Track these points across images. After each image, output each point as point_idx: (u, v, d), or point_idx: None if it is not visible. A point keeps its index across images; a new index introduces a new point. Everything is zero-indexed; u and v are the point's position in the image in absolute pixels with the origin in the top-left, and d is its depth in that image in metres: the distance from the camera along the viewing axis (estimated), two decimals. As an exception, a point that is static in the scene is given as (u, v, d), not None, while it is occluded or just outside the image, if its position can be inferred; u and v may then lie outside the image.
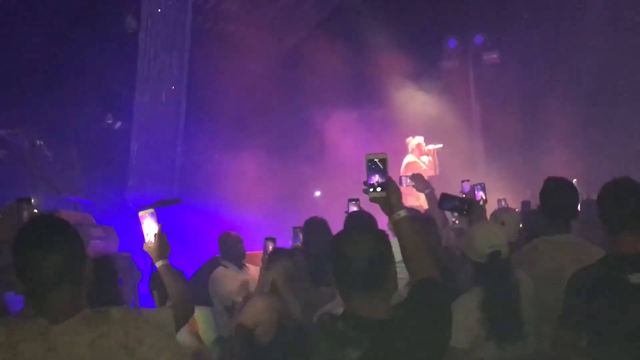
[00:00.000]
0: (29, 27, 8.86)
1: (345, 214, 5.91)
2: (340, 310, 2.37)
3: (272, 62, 12.37)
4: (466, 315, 3.20)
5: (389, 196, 2.54)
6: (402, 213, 2.54)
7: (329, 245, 2.42)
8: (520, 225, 5.03)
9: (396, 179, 2.72)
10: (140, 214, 3.33)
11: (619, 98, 11.59)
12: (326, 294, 4.22)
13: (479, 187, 5.57)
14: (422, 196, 6.93)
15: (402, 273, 2.53)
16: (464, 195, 5.42)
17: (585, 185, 8.53)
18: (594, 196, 7.66)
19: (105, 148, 10.14)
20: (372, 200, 2.56)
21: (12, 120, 8.68)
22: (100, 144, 10.04)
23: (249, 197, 10.76)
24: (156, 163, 10.63)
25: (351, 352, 2.18)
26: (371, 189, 2.55)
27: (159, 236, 3.28)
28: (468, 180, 6.17)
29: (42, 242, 2.23)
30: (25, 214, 3.96)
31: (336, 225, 5.16)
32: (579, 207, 6.72)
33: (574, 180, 7.19)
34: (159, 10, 10.77)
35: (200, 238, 9.16)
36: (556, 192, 3.82)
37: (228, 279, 5.88)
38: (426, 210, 6.00)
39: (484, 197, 5.53)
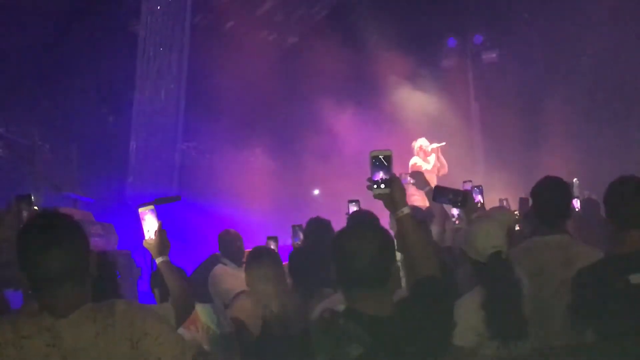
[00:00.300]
0: (28, 25, 8.87)
1: (346, 216, 5.92)
2: (341, 307, 2.36)
3: (271, 60, 12.35)
4: (470, 314, 3.20)
5: (393, 193, 2.53)
6: (406, 210, 2.53)
7: (331, 243, 2.41)
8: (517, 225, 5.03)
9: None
10: (140, 210, 3.32)
11: (618, 98, 11.58)
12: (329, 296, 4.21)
13: (477, 190, 5.60)
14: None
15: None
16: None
17: (585, 184, 8.52)
18: (594, 195, 7.68)
19: (104, 145, 10.15)
20: (376, 197, 2.55)
21: (12, 118, 8.67)
22: (99, 142, 10.05)
23: (249, 195, 10.77)
24: (156, 161, 10.64)
25: (353, 349, 2.18)
26: (375, 186, 2.53)
27: (159, 233, 3.28)
28: (470, 181, 6.18)
29: (47, 238, 2.23)
30: (25, 212, 3.95)
31: (337, 225, 5.17)
32: (577, 206, 6.74)
33: (574, 180, 7.23)
34: (159, 7, 10.76)
35: (200, 235, 9.17)
36: (547, 192, 3.77)
37: (227, 277, 5.88)
38: (427, 208, 6.02)
39: (481, 201, 5.55)
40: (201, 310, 3.95)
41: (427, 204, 8.01)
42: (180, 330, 3.42)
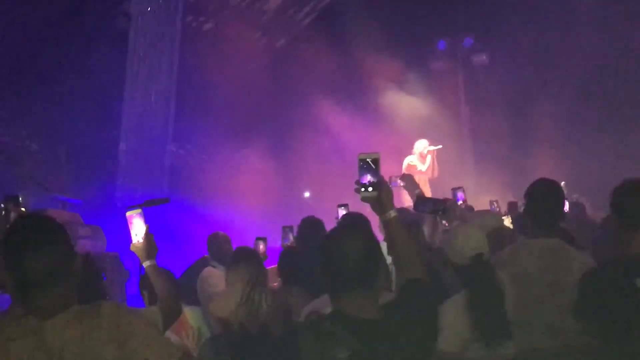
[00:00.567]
0: (17, 27, 8.83)
1: (335, 220, 5.91)
2: (328, 310, 2.36)
3: (261, 62, 12.36)
4: (454, 318, 3.23)
5: (380, 196, 2.53)
6: (393, 213, 2.54)
7: (319, 247, 2.42)
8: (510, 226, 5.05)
9: (386, 180, 2.71)
10: (128, 214, 3.32)
11: (607, 100, 11.65)
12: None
13: (458, 190, 5.64)
14: None
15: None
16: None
17: (574, 187, 8.56)
18: (582, 199, 7.72)
19: (94, 147, 10.10)
20: (364, 199, 2.55)
21: (1, 119, 8.64)
22: (89, 143, 10.00)
23: (239, 197, 10.76)
24: (145, 163, 10.61)
25: (339, 352, 2.18)
26: (362, 189, 2.54)
27: (147, 236, 3.27)
28: (460, 187, 6.22)
29: (32, 241, 2.23)
30: (12, 212, 3.93)
31: (327, 227, 5.17)
32: (566, 208, 6.78)
33: (562, 183, 7.25)
34: (149, 8, 10.73)
35: (190, 238, 9.14)
36: (541, 194, 3.78)
37: (216, 279, 5.85)
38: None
39: (464, 200, 5.58)
40: (190, 313, 3.95)
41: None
42: (169, 335, 3.41)
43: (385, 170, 2.64)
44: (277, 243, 6.52)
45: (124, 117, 10.65)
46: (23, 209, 3.86)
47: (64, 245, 2.30)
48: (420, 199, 4.58)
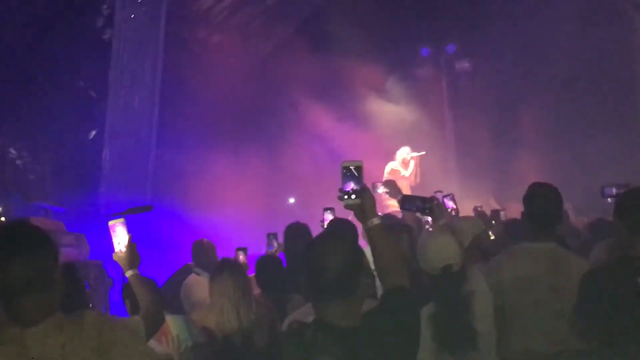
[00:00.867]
0: (-1, 33, 8.75)
1: (320, 223, 5.91)
2: (310, 318, 2.36)
3: (245, 69, 12.36)
4: (422, 327, 3.23)
5: (363, 203, 2.54)
6: (376, 221, 2.54)
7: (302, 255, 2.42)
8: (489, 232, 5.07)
9: (369, 186, 2.72)
10: (110, 223, 3.30)
11: (590, 105, 11.74)
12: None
13: (448, 197, 5.67)
14: None
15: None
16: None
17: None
18: (567, 205, 7.78)
19: (76, 154, 10.02)
20: (347, 207, 2.56)
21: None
22: (71, 151, 9.93)
23: (223, 204, 10.73)
24: (129, 169, 10.53)
25: (322, 360, 2.18)
26: (345, 196, 2.55)
27: (129, 246, 3.27)
28: (441, 191, 6.25)
29: (11, 247, 2.22)
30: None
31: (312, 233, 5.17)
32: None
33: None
34: (132, 16, 10.69)
35: (174, 245, 9.10)
36: (539, 198, 3.79)
37: (200, 287, 5.82)
38: (404, 216, 6.05)
39: (454, 207, 5.60)
40: (172, 322, 3.92)
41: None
42: (152, 343, 3.39)
43: (374, 177, 2.65)
44: (262, 250, 6.51)
45: (107, 124, 10.58)
46: (2, 219, 3.83)
47: (45, 252, 2.27)
48: (407, 197, 4.59)
